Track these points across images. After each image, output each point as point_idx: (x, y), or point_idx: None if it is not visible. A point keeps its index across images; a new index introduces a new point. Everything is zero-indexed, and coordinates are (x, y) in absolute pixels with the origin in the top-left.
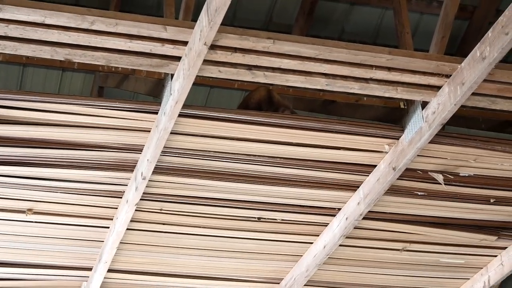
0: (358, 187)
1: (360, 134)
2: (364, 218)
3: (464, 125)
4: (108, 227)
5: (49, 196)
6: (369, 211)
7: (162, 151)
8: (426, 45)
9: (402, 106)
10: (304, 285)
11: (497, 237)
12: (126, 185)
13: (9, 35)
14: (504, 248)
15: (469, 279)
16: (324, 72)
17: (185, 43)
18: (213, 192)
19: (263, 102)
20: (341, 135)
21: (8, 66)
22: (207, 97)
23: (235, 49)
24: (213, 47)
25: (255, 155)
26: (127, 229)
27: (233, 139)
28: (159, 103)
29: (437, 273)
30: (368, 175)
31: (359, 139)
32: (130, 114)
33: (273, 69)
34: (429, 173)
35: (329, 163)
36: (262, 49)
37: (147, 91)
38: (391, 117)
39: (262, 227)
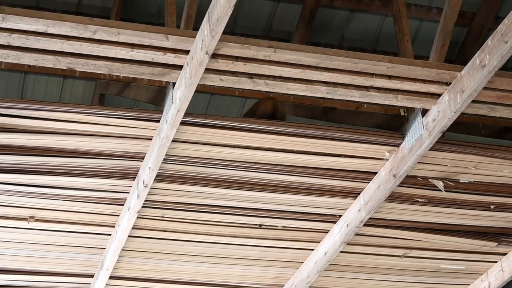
0: (359, 194)
1: (361, 142)
2: (365, 225)
3: (464, 131)
4: (110, 234)
5: (50, 203)
6: (369, 218)
7: (164, 159)
8: (426, 51)
9: (402, 114)
10: None
11: (497, 243)
12: (128, 192)
13: (12, 44)
14: (504, 254)
15: (469, 285)
16: (324, 80)
17: (186, 52)
18: (215, 200)
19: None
20: (341, 143)
21: (10, 74)
22: (208, 104)
23: (237, 58)
24: (214, 56)
25: (256, 163)
26: (129, 236)
27: (235, 147)
28: (161, 111)
29: (438, 279)
30: (368, 182)
31: (360, 146)
32: (132, 122)
33: (274, 78)
34: (430, 180)
35: (330, 170)
36: (263, 58)
37: (148, 99)
38: (391, 124)
39: (263, 234)
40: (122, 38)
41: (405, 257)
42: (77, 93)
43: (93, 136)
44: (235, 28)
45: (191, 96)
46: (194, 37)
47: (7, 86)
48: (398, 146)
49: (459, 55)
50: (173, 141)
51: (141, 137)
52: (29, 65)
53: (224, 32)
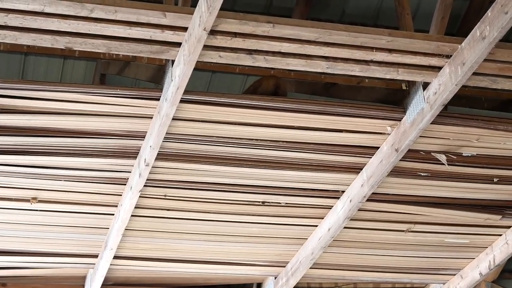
0: (361, 169)
1: (362, 116)
2: (368, 200)
3: (467, 105)
4: (113, 214)
5: (53, 184)
6: (372, 193)
7: (165, 137)
8: (426, 26)
9: (403, 88)
10: (310, 267)
11: (501, 216)
12: (130, 171)
13: (9, 25)
14: (509, 227)
15: (474, 258)
16: (324, 55)
17: (184, 29)
18: (217, 177)
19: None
20: (343, 118)
21: (10, 55)
22: (209, 82)
23: (235, 34)
24: (212, 32)
25: (258, 139)
26: (132, 215)
27: (235, 124)
28: (161, 90)
29: (442, 253)
30: (371, 157)
31: (361, 121)
32: (132, 101)
33: (274, 53)
34: (432, 153)
35: (332, 146)
36: (262, 34)
37: (148, 77)
38: (392, 98)
39: (266, 211)
40: (119, 16)
41: (408, 231)
42: (77, 74)
43: (94, 116)
44: (235, 6)
45: (190, 74)
46: (192, 13)
47: (7, 69)
48: (400, 120)
49: (460, 28)
50: (173, 119)
51: (141, 116)
52: (28, 46)
53: (224, 9)
